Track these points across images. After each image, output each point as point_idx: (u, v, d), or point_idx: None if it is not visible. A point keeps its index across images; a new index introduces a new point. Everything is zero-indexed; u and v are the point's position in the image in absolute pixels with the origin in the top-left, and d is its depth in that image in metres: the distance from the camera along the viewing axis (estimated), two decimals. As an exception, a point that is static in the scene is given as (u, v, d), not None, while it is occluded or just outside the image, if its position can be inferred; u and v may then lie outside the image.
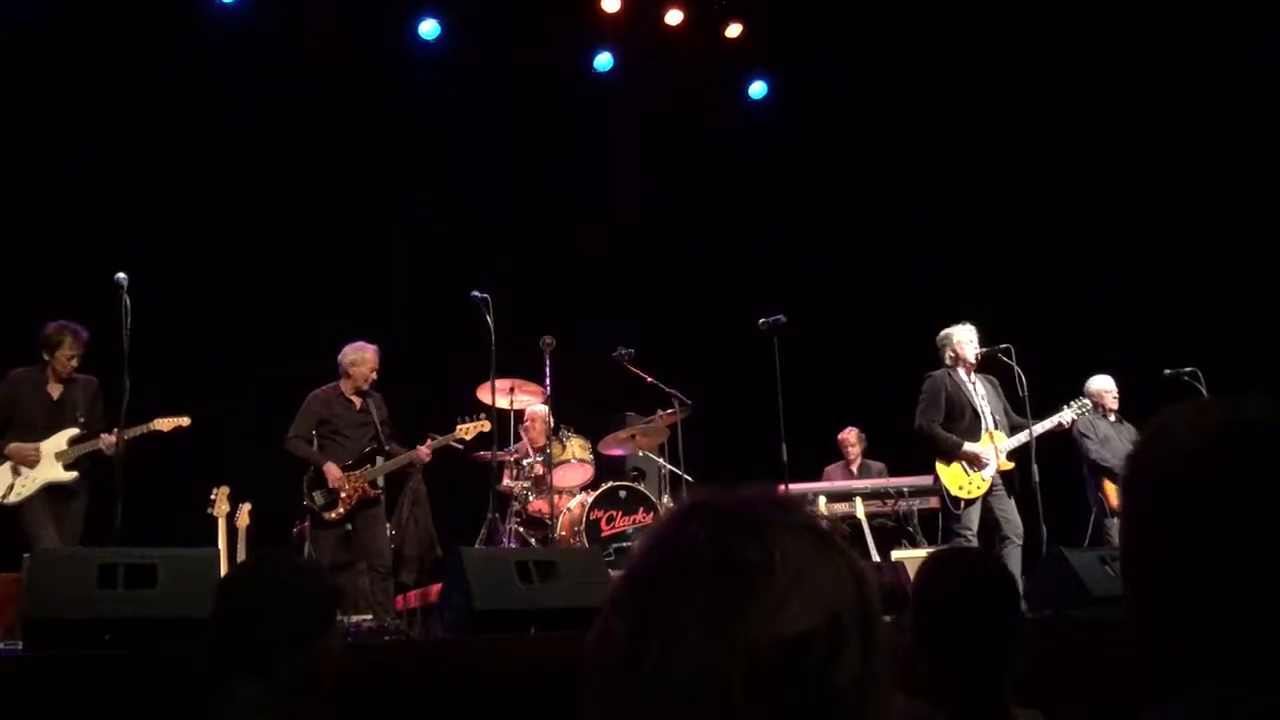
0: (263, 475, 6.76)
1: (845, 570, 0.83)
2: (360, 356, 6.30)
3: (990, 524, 6.26)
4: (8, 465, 5.64)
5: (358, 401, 6.29)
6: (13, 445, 5.65)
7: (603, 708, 0.83)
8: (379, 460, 6.22)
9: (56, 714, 2.96)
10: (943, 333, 6.58)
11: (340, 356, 6.33)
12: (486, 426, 6.33)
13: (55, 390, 5.83)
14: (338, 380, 6.33)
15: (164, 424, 5.90)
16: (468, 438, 6.47)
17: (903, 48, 8.92)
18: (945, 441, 6.27)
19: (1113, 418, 7.15)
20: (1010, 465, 6.28)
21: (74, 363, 5.79)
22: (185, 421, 5.97)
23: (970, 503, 6.22)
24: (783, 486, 6.00)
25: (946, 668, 1.94)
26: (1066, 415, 6.54)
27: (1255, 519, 0.88)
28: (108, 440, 5.64)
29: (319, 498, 6.11)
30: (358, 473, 6.14)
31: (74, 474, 5.72)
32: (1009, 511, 6.24)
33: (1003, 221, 8.93)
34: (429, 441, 6.37)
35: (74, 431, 5.77)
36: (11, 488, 5.61)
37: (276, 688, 1.92)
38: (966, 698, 1.91)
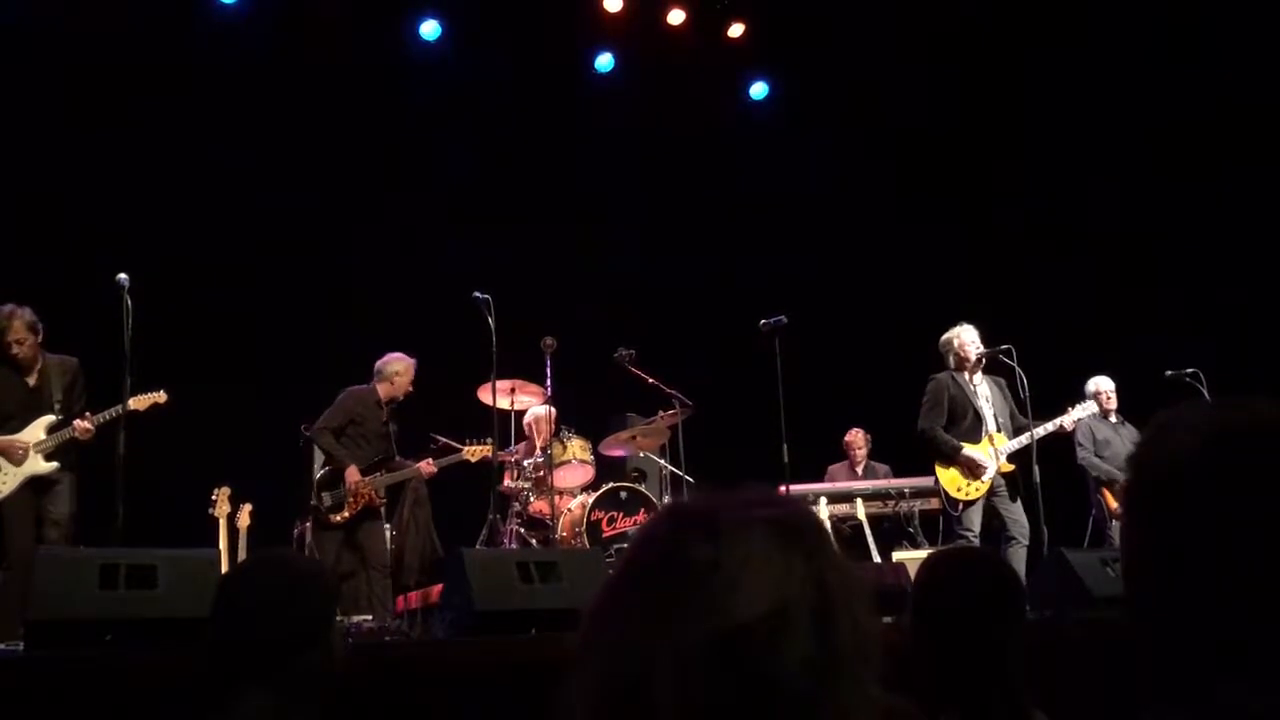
0: (263, 476, 6.77)
1: (801, 563, 0.83)
2: (405, 366, 6.39)
3: (996, 525, 6.26)
4: None
5: (385, 411, 6.35)
6: (1, 439, 5.47)
7: None
8: (384, 472, 6.30)
9: (57, 715, 2.96)
10: (945, 335, 6.58)
11: (382, 363, 6.40)
12: (490, 451, 6.32)
13: (30, 376, 5.60)
14: (372, 383, 6.38)
15: (139, 402, 5.57)
16: (472, 459, 6.53)
17: (904, 48, 8.92)
18: (945, 444, 6.29)
19: (1114, 418, 7.14)
20: (1011, 467, 6.28)
21: (23, 347, 5.48)
22: (161, 398, 5.72)
23: (970, 504, 6.22)
24: (784, 487, 5.98)
25: (948, 668, 1.93)
26: (1069, 418, 6.54)
27: (1254, 520, 0.88)
28: (82, 426, 5.46)
29: (327, 498, 6.14)
30: (366, 480, 6.20)
31: (54, 464, 5.50)
32: (1014, 512, 6.24)
33: (1005, 223, 8.93)
34: (430, 460, 6.43)
35: (51, 419, 5.55)
36: None
37: (282, 693, 1.90)
38: (967, 698, 1.90)
